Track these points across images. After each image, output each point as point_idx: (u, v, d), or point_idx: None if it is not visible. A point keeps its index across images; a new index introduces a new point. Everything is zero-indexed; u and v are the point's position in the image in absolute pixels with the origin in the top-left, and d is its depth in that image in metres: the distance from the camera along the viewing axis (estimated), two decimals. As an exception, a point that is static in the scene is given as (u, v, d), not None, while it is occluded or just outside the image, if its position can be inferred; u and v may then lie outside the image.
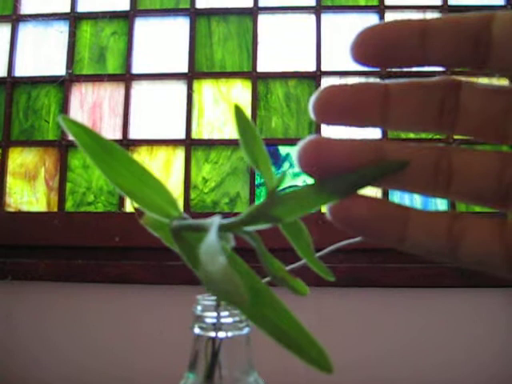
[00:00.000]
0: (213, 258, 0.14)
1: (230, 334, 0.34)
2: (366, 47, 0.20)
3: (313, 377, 0.92)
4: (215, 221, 0.18)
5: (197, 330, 0.34)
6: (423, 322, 0.94)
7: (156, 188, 0.22)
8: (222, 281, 0.14)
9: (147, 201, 0.22)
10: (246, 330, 0.34)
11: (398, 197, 1.04)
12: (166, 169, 1.10)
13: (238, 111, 0.21)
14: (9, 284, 0.98)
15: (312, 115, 0.20)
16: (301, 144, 0.20)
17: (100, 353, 0.96)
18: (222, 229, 0.20)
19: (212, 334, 0.34)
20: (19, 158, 1.13)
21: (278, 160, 1.09)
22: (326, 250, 0.48)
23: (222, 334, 0.34)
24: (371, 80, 0.21)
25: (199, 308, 0.34)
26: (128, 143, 1.10)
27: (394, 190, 0.21)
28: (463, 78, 0.20)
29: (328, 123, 0.20)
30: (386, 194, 0.99)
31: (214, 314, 0.34)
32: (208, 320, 0.34)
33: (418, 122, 0.21)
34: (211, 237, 0.16)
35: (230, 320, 0.34)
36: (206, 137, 1.11)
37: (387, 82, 0.21)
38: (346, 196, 0.19)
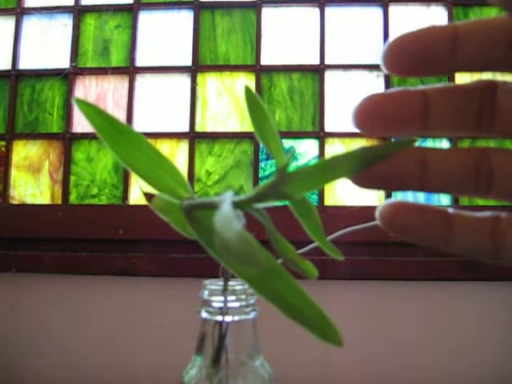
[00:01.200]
0: (229, 224, 0.15)
1: (236, 318, 0.34)
2: (398, 57, 0.20)
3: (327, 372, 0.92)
4: (228, 195, 0.18)
5: (204, 314, 0.34)
6: (426, 315, 0.94)
7: (168, 170, 0.22)
8: (239, 245, 0.14)
9: (160, 182, 0.22)
10: (252, 315, 0.35)
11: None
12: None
13: (249, 92, 0.21)
14: (13, 276, 0.99)
15: (355, 126, 0.21)
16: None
17: (103, 344, 0.97)
18: (233, 206, 0.20)
19: (219, 317, 0.34)
20: (23, 151, 1.13)
21: (281, 153, 1.09)
22: (339, 233, 0.48)
23: (228, 318, 0.34)
24: (405, 88, 0.21)
25: (206, 292, 0.35)
26: (132, 136, 1.10)
27: (435, 193, 0.22)
28: (499, 79, 0.20)
29: (371, 134, 0.20)
30: (389, 194, 0.99)
31: (221, 298, 0.34)
32: (215, 304, 0.34)
33: (458, 126, 0.21)
34: (225, 206, 0.16)
35: (236, 304, 0.35)
36: (209, 130, 1.11)
37: (424, 87, 0.21)
38: (355, 173, 0.20)
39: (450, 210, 0.22)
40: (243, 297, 0.35)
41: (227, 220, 0.15)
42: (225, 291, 0.34)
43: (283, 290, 0.19)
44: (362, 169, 0.20)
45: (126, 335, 0.96)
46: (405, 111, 0.20)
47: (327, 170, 0.19)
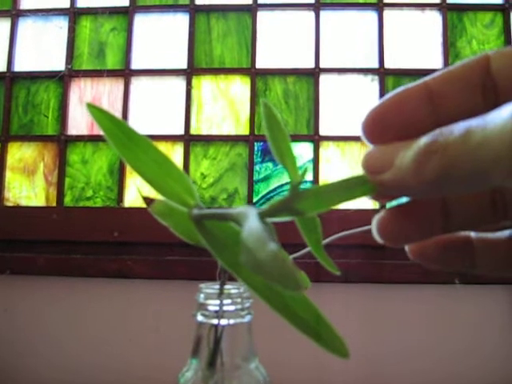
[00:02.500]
0: (262, 243, 0.15)
1: (231, 321, 0.35)
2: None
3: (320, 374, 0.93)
4: (252, 210, 0.19)
5: (200, 318, 0.34)
6: (422, 319, 0.95)
7: (176, 176, 0.22)
8: (275, 266, 0.14)
9: (166, 189, 0.22)
10: (247, 318, 0.35)
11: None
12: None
13: (267, 108, 0.22)
14: (8, 278, 0.99)
15: (367, 141, 0.21)
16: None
17: (98, 346, 0.97)
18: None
19: (214, 321, 0.34)
20: (18, 153, 1.13)
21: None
22: (331, 238, 0.48)
23: (224, 322, 0.35)
24: (405, 88, 0.21)
25: (202, 296, 0.35)
26: (127, 138, 1.10)
27: (456, 231, 0.23)
28: (491, 52, 0.20)
29: (381, 142, 0.21)
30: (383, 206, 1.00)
31: (217, 301, 0.34)
32: (211, 308, 0.34)
33: (466, 106, 0.21)
34: (254, 224, 0.16)
35: (232, 308, 0.35)
36: (204, 133, 1.11)
37: (425, 79, 0.21)
38: (370, 194, 0.20)
39: (473, 235, 0.24)
40: (238, 300, 0.35)
41: (260, 239, 0.15)
42: (221, 295, 0.35)
43: (292, 303, 0.20)
44: (375, 192, 0.20)
45: (120, 337, 0.97)
46: (409, 111, 0.21)
47: (341, 190, 0.20)
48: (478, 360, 0.93)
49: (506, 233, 0.23)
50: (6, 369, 0.97)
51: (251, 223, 0.17)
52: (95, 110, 0.21)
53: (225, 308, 0.35)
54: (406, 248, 0.24)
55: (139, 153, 0.21)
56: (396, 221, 0.22)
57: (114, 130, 0.21)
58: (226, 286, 0.35)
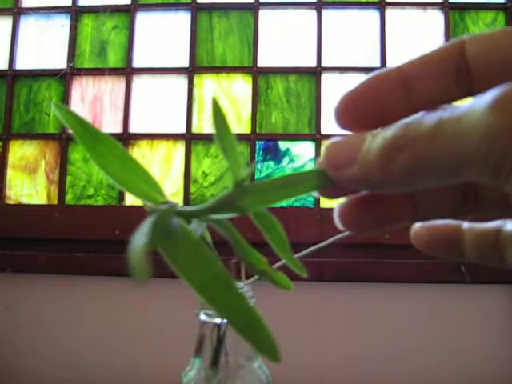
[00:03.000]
0: (137, 238, 0.16)
1: (234, 320, 0.35)
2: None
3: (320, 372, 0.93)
4: (169, 204, 0.19)
5: (203, 317, 0.34)
6: (420, 318, 0.95)
7: (142, 175, 0.22)
8: (131, 256, 0.15)
9: (133, 187, 0.22)
10: (250, 317, 0.35)
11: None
12: (167, 163, 1.10)
13: (215, 104, 0.22)
14: (9, 276, 0.99)
15: (339, 127, 0.21)
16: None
17: (99, 345, 0.97)
18: (186, 216, 0.20)
19: (217, 320, 0.34)
20: (20, 151, 1.13)
21: (277, 155, 1.09)
22: (323, 243, 0.48)
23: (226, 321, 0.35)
24: (379, 73, 0.21)
25: (205, 295, 0.35)
26: (128, 137, 1.10)
27: (425, 220, 0.23)
28: (466, 37, 0.19)
29: (354, 129, 0.20)
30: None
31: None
32: (214, 307, 0.34)
33: (440, 92, 0.20)
34: (151, 218, 0.17)
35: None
36: (206, 131, 1.11)
37: (399, 65, 0.20)
38: (315, 191, 0.20)
39: (464, 225, 0.24)
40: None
41: (140, 233, 0.16)
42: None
43: (234, 304, 0.20)
44: (322, 187, 0.20)
45: (122, 336, 0.97)
46: (385, 95, 0.20)
47: (285, 186, 0.20)
48: (477, 359, 0.93)
49: (493, 223, 0.23)
50: (7, 367, 0.97)
51: (144, 224, 0.17)
52: (62, 111, 0.21)
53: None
54: (412, 235, 0.25)
55: (103, 151, 0.21)
56: (359, 209, 0.21)
57: (80, 129, 0.21)
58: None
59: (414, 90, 0.19)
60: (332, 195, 0.21)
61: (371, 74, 0.20)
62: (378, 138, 0.18)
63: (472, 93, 0.18)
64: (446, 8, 1.12)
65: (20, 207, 1.10)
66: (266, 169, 1.09)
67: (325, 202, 1.05)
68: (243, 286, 0.35)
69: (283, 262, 0.42)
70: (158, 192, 0.23)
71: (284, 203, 1.00)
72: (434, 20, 1.13)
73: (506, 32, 0.18)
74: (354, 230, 0.21)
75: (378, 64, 1.11)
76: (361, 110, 0.20)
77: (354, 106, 0.20)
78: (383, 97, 0.20)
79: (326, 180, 0.20)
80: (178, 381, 0.36)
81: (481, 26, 1.12)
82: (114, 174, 0.22)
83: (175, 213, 0.20)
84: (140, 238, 0.16)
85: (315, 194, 0.21)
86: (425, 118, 0.17)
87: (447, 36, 1.11)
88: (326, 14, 1.14)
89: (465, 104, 0.16)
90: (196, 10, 1.15)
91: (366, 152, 0.18)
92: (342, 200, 0.22)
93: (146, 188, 0.22)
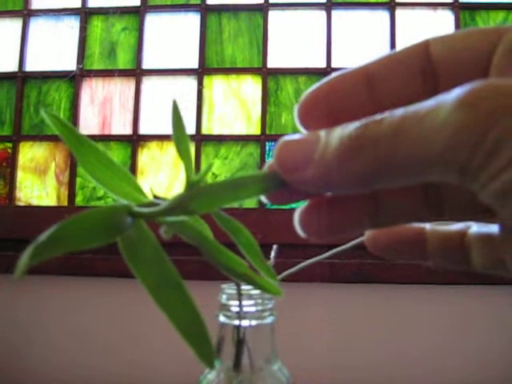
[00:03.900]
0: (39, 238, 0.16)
1: (253, 322, 0.34)
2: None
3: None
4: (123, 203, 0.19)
5: (222, 319, 0.34)
6: (432, 319, 0.94)
7: (123, 177, 0.22)
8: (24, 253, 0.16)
9: (117, 188, 0.22)
10: (270, 319, 0.35)
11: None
12: (176, 164, 1.10)
13: (175, 107, 0.22)
14: (18, 278, 0.99)
15: (299, 123, 0.20)
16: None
17: (106, 348, 0.96)
18: (139, 216, 0.20)
19: (237, 322, 0.34)
20: (30, 153, 1.13)
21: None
22: (343, 247, 0.48)
23: (245, 323, 0.34)
24: (344, 72, 0.20)
25: (224, 296, 0.35)
26: (138, 138, 1.10)
27: (388, 225, 0.22)
28: (431, 38, 0.19)
29: (315, 129, 0.19)
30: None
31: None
32: (233, 308, 0.34)
33: (405, 91, 0.20)
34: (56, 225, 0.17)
35: (252, 309, 0.35)
36: (216, 132, 1.11)
37: (364, 64, 0.20)
38: (266, 193, 0.20)
39: (427, 227, 0.23)
40: (260, 301, 0.35)
41: None
42: (240, 296, 0.34)
43: (181, 308, 0.20)
44: (274, 190, 0.19)
45: (131, 338, 0.96)
46: (348, 94, 0.20)
47: (236, 188, 0.19)
48: (488, 360, 0.92)
49: (457, 226, 0.23)
50: (9, 368, 0.97)
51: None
52: (51, 117, 0.22)
53: (245, 309, 0.34)
54: (365, 239, 0.23)
55: (87, 155, 0.22)
56: (319, 214, 0.20)
57: (68, 134, 0.22)
58: (246, 287, 0.35)
59: (379, 89, 0.19)
60: (279, 200, 0.20)
61: (336, 73, 0.20)
62: (334, 137, 0.17)
63: (437, 93, 0.18)
64: (456, 8, 1.11)
65: (30, 209, 1.10)
66: (275, 170, 1.08)
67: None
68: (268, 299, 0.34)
69: (300, 266, 0.41)
70: (142, 193, 0.23)
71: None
72: (445, 20, 1.12)
73: (469, 32, 0.19)
74: (314, 235, 0.20)
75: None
76: (323, 109, 0.20)
77: (316, 104, 0.20)
78: (347, 96, 0.19)
79: (276, 183, 0.19)
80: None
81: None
82: (98, 177, 0.22)
83: (128, 212, 0.20)
84: (39, 239, 0.16)
85: (263, 198, 0.20)
86: (385, 117, 0.16)
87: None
88: (336, 14, 1.13)
89: (427, 102, 0.15)
90: (205, 12, 1.14)
91: (322, 152, 0.17)
92: (301, 205, 0.21)
93: (129, 190, 0.22)
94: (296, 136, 0.18)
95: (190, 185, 0.20)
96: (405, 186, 0.17)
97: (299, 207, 0.21)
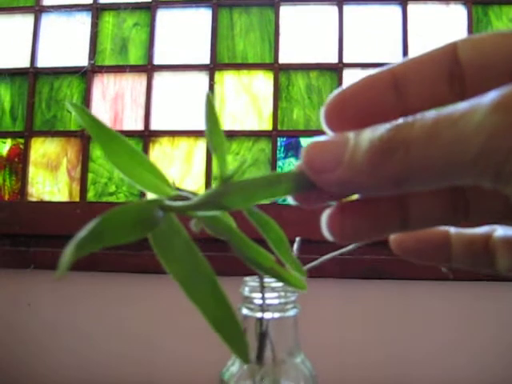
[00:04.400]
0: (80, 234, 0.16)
1: (276, 315, 0.34)
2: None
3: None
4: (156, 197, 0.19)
5: (244, 311, 0.34)
6: (444, 315, 0.94)
7: (150, 168, 0.22)
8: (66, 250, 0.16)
9: (144, 180, 0.22)
10: (293, 312, 0.35)
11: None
12: (188, 160, 1.10)
13: (209, 101, 0.22)
14: (31, 273, 0.99)
15: (325, 127, 0.20)
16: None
17: (123, 342, 0.97)
18: (170, 210, 0.20)
19: (259, 314, 0.34)
20: (41, 148, 1.14)
21: (299, 152, 1.09)
22: (349, 248, 0.47)
23: (268, 315, 0.34)
24: (371, 75, 0.20)
25: (247, 289, 0.34)
26: (150, 134, 1.10)
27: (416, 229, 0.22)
28: (459, 40, 0.19)
29: (344, 129, 0.19)
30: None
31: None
32: (256, 301, 0.34)
33: (432, 95, 0.20)
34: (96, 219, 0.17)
35: (275, 301, 0.34)
36: (227, 128, 1.11)
37: (389, 66, 0.20)
38: (299, 192, 0.20)
39: (452, 231, 0.23)
40: (283, 294, 0.34)
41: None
42: (262, 288, 0.34)
43: (214, 304, 0.20)
44: (301, 191, 0.19)
45: (150, 332, 0.97)
46: (376, 96, 0.20)
47: (271, 185, 0.19)
48: (497, 356, 0.92)
49: (482, 229, 0.23)
50: (31, 363, 0.98)
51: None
52: (77, 109, 0.21)
53: (268, 302, 0.34)
54: (391, 241, 0.24)
55: (113, 146, 0.22)
56: (347, 217, 0.20)
57: (95, 128, 0.22)
58: (268, 280, 0.35)
59: (406, 92, 0.19)
60: (307, 201, 0.20)
61: (362, 76, 0.20)
62: (364, 139, 0.17)
63: (464, 96, 0.18)
64: (468, 3, 1.10)
65: (42, 204, 1.10)
66: (287, 165, 1.08)
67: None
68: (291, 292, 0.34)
69: (321, 260, 0.41)
70: (169, 185, 0.23)
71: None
72: (457, 15, 1.12)
73: (498, 35, 0.18)
74: (341, 238, 0.20)
75: (400, 59, 1.09)
76: (350, 111, 0.19)
77: (343, 106, 0.20)
78: (374, 98, 0.19)
79: (306, 183, 0.19)
80: (217, 377, 0.36)
81: (504, 21, 1.11)
82: (124, 169, 0.22)
83: (159, 206, 0.20)
84: (79, 235, 0.16)
85: (292, 201, 0.20)
86: (417, 120, 0.16)
87: (470, 31, 1.09)
88: (348, 9, 1.13)
89: (460, 105, 0.15)
90: (217, 7, 1.14)
91: (352, 154, 0.17)
92: (328, 209, 0.21)
93: (156, 182, 0.22)
94: (324, 137, 0.18)
95: (224, 180, 0.20)
96: (435, 188, 0.17)
97: (327, 210, 0.21)
